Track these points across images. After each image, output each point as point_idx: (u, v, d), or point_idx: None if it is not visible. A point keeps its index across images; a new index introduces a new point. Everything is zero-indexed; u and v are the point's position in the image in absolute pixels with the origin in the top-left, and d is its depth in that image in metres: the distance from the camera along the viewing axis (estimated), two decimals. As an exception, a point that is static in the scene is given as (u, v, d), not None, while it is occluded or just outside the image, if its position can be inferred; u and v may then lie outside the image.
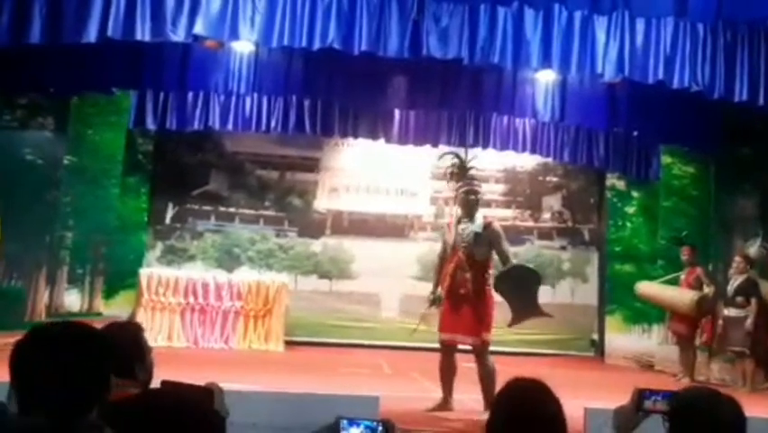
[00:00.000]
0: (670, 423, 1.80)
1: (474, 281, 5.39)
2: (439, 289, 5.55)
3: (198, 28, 5.85)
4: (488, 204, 10.28)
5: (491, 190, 10.36)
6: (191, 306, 8.80)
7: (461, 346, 5.55)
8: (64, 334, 1.50)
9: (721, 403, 1.78)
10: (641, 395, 2.07)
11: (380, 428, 1.81)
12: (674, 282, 8.39)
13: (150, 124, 8.65)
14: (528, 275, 5.59)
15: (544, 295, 10.07)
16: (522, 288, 5.41)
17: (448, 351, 5.54)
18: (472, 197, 5.56)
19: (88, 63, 6.98)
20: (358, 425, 1.82)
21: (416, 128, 8.86)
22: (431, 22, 5.98)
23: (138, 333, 2.40)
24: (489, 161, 10.04)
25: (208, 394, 1.98)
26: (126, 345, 1.53)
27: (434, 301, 5.55)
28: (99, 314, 8.59)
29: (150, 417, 1.21)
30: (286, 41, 6.05)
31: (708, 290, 7.87)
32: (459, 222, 5.58)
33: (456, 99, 8.02)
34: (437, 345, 5.68)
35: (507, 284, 5.37)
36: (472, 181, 5.64)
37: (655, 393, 2.08)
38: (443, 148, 9.06)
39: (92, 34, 5.68)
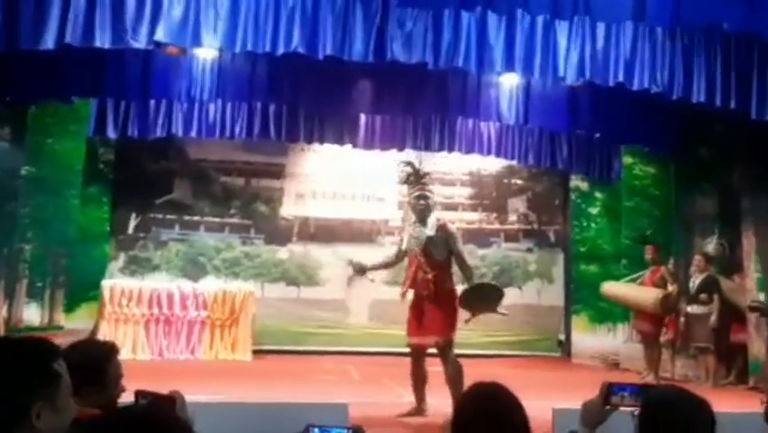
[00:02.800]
0: (639, 422, 1.80)
1: (436, 282, 5.46)
2: (367, 267, 5.89)
3: (160, 35, 5.74)
4: (454, 207, 10.34)
5: (457, 194, 10.41)
6: (155, 317, 8.65)
7: (430, 351, 5.56)
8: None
9: (692, 403, 1.79)
10: (609, 389, 2.06)
11: (351, 435, 1.79)
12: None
13: (111, 133, 8.48)
14: (492, 293, 5.62)
15: (512, 297, 10.29)
16: (483, 303, 5.49)
17: (417, 356, 5.56)
18: (422, 201, 5.67)
19: (47, 71, 6.81)
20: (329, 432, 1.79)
21: (382, 133, 8.86)
22: (395, 26, 5.98)
23: (108, 355, 2.31)
24: (454, 165, 10.12)
25: (170, 402, 1.93)
26: (84, 364, 1.46)
27: (355, 268, 5.87)
28: (60, 327, 8.39)
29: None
30: (249, 47, 5.98)
31: (672, 288, 8.00)
32: (414, 226, 5.66)
33: (421, 103, 8.03)
34: (406, 350, 5.69)
35: (470, 302, 5.44)
36: (423, 187, 5.76)
37: (623, 387, 2.07)
38: (408, 152, 9.11)
39: (50, 41, 5.54)
